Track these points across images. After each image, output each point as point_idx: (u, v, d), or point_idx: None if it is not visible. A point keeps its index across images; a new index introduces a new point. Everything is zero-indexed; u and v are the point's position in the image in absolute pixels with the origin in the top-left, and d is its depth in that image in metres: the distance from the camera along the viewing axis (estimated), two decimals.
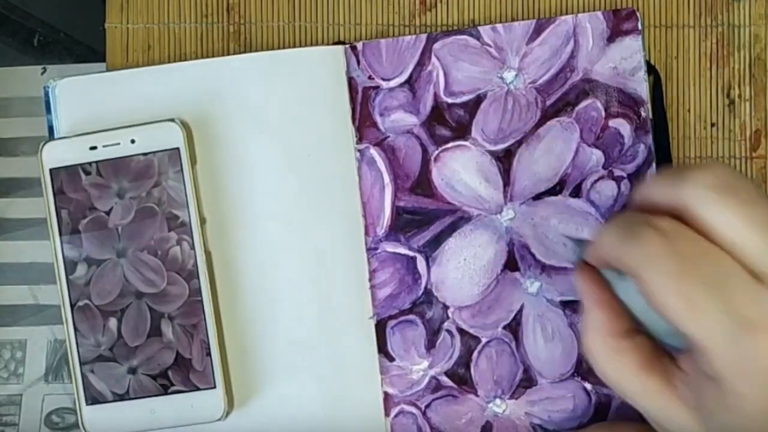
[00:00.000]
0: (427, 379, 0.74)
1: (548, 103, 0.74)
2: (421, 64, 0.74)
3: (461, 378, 0.74)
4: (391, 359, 0.74)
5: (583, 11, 0.75)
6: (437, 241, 0.74)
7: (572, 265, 0.69)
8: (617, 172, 0.73)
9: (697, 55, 0.76)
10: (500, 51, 0.74)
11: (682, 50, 0.76)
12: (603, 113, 0.74)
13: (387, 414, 0.73)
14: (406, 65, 0.74)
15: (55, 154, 0.72)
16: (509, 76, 0.74)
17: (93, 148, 0.72)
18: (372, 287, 0.74)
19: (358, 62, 0.74)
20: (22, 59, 0.79)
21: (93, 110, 0.74)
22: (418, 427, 0.73)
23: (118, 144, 0.72)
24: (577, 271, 0.63)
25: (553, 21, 0.74)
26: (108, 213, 0.72)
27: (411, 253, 0.74)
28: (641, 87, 0.74)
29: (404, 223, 0.74)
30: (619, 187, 0.73)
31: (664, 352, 0.60)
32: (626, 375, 0.60)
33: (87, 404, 0.72)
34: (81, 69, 0.77)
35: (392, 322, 0.74)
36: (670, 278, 0.53)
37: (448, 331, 0.74)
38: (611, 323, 0.60)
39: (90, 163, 0.72)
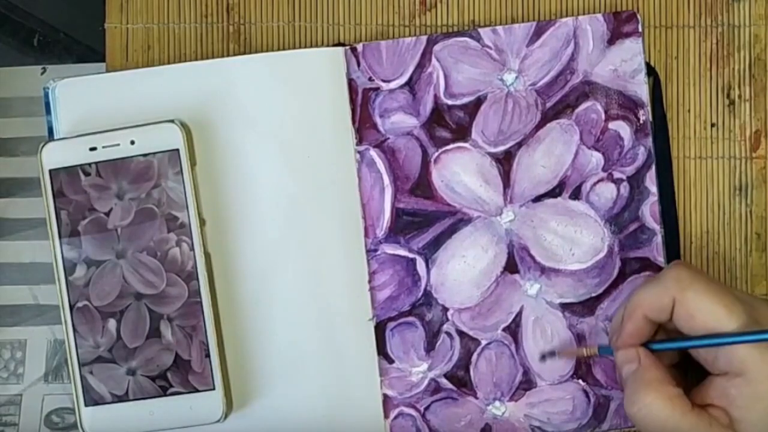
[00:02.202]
0: (426, 381, 0.74)
1: (548, 105, 0.74)
2: (421, 65, 0.74)
3: (460, 380, 0.74)
4: (391, 361, 0.74)
5: (583, 13, 0.75)
6: (437, 243, 0.74)
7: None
8: (617, 175, 0.73)
9: (697, 55, 0.76)
10: (500, 53, 0.74)
11: (682, 50, 0.76)
12: (603, 115, 0.74)
13: (386, 416, 0.73)
14: (406, 67, 0.74)
15: (55, 155, 0.72)
16: (509, 78, 0.74)
17: (92, 149, 0.72)
18: (371, 289, 0.74)
19: (358, 64, 0.74)
20: (22, 59, 0.79)
21: (92, 111, 0.74)
22: (417, 429, 0.73)
23: (118, 145, 0.72)
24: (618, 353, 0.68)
25: (554, 23, 0.74)
26: (107, 214, 0.72)
27: (411, 255, 0.74)
28: (641, 89, 0.73)
29: (404, 225, 0.74)
30: (618, 190, 0.73)
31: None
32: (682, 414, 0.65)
33: (86, 405, 0.72)
34: (81, 69, 0.77)
35: (392, 324, 0.74)
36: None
37: (448, 333, 0.74)
38: (663, 376, 0.66)
39: (89, 164, 0.72)
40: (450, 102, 0.74)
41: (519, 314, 0.74)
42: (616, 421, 0.73)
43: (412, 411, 0.74)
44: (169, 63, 0.77)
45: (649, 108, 0.74)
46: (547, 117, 0.74)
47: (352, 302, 0.74)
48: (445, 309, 0.74)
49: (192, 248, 0.72)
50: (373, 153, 0.74)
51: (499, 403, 0.73)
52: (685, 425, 0.64)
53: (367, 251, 0.74)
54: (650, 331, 0.67)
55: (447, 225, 0.74)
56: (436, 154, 0.74)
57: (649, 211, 0.73)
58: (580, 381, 0.73)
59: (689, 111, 0.76)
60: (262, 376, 0.73)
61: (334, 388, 0.73)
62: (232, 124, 0.74)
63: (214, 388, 0.71)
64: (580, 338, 0.73)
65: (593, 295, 0.73)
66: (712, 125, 0.76)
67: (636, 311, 0.66)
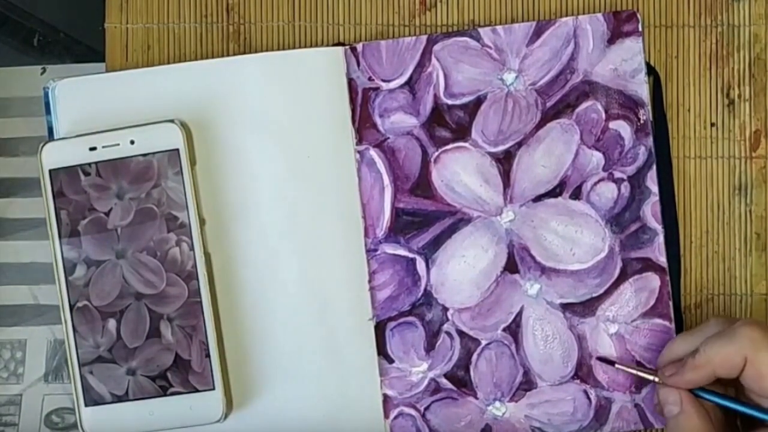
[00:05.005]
0: (426, 381, 0.74)
1: (548, 104, 0.74)
2: (421, 65, 0.74)
3: (461, 380, 0.74)
4: (391, 361, 0.74)
5: (583, 13, 0.75)
6: (437, 243, 0.74)
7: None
8: (617, 174, 0.73)
9: (697, 55, 0.76)
10: (500, 53, 0.74)
11: (682, 50, 0.76)
12: (603, 115, 0.74)
13: (386, 416, 0.73)
14: (406, 66, 0.74)
15: (55, 155, 0.72)
16: (509, 77, 0.74)
17: (92, 148, 0.72)
18: (371, 289, 0.74)
19: (358, 63, 0.74)
20: (22, 59, 0.79)
21: (92, 111, 0.74)
22: (417, 429, 0.73)
23: (118, 145, 0.72)
24: (662, 389, 0.69)
25: (554, 23, 0.74)
26: (107, 214, 0.72)
27: (411, 255, 0.74)
28: (642, 89, 0.73)
29: (404, 225, 0.74)
30: (619, 189, 0.73)
31: None
32: None
33: (86, 405, 0.72)
34: (81, 69, 0.77)
35: (392, 324, 0.74)
36: None
37: (448, 333, 0.74)
38: (703, 425, 0.68)
39: (89, 164, 0.72)
40: (450, 102, 0.74)
41: (519, 314, 0.74)
42: (618, 423, 0.73)
43: (412, 411, 0.74)
44: (169, 63, 0.77)
45: (649, 107, 0.74)
46: (547, 117, 0.74)
47: (352, 302, 0.74)
48: (445, 309, 0.74)
49: (192, 248, 0.72)
50: (373, 153, 0.74)
51: (499, 403, 0.73)
52: None
53: (367, 251, 0.74)
54: (710, 381, 0.67)
55: (447, 225, 0.74)
56: (436, 153, 0.74)
57: (651, 210, 0.73)
58: (581, 382, 0.73)
59: (689, 111, 0.76)
60: (262, 376, 0.73)
61: (334, 388, 0.73)
62: (232, 124, 0.74)
63: (214, 388, 0.71)
64: (580, 339, 0.73)
65: (594, 295, 0.73)
66: (712, 125, 0.76)
67: (706, 366, 0.66)
